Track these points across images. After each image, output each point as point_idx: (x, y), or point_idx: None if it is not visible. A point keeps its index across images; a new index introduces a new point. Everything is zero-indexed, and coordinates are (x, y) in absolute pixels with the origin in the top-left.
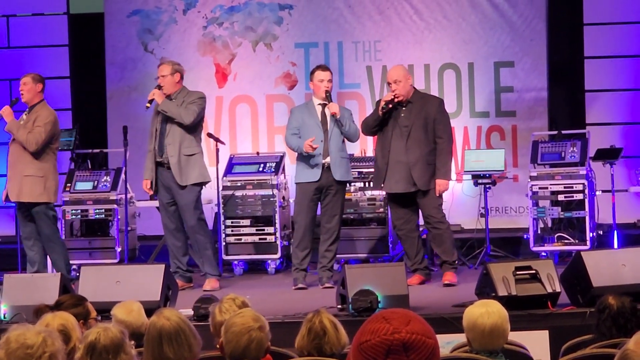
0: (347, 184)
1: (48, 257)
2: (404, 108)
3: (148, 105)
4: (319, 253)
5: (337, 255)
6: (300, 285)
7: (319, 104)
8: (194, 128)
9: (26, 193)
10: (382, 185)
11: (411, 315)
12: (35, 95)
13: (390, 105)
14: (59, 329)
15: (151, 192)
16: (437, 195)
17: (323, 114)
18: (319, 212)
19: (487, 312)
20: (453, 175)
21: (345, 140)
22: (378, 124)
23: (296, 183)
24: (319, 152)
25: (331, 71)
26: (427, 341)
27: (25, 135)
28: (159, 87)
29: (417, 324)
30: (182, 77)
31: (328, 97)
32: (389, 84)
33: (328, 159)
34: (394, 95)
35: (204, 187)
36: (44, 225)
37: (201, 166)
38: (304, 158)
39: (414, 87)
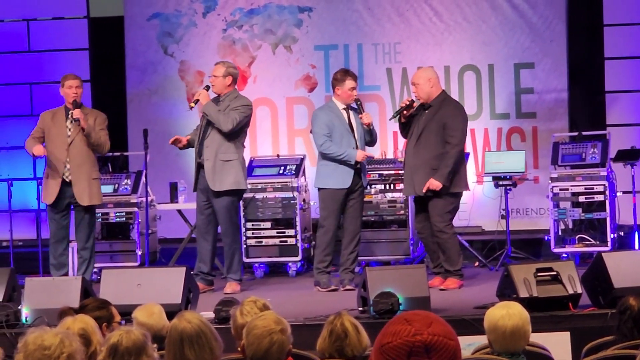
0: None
1: (74, 256)
2: (426, 111)
3: (192, 105)
4: (341, 255)
5: (358, 258)
6: (332, 287)
7: (343, 109)
8: (235, 134)
9: (96, 196)
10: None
11: (433, 317)
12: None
13: (406, 112)
14: (80, 332)
15: (173, 141)
16: (425, 190)
17: (348, 117)
18: None
19: (508, 314)
20: (472, 181)
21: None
22: (403, 128)
23: (324, 188)
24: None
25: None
26: (449, 343)
27: (102, 138)
28: (207, 88)
29: (438, 326)
30: (234, 81)
31: (360, 106)
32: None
33: (359, 165)
34: (409, 100)
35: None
36: (90, 226)
37: (237, 173)
38: (336, 164)
39: (443, 90)
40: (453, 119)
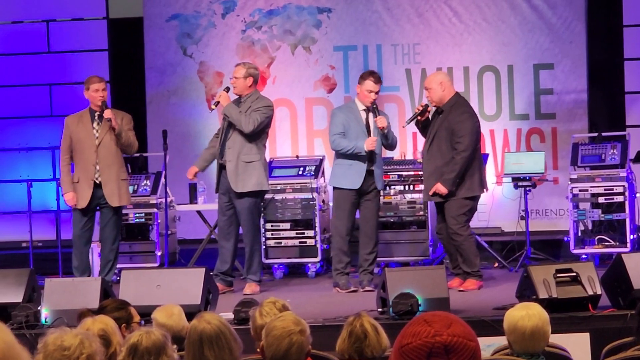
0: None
1: (98, 255)
2: (439, 116)
3: (213, 107)
4: (360, 256)
5: (377, 259)
6: (352, 288)
7: (363, 110)
8: (257, 135)
9: (125, 196)
10: None
11: (452, 318)
12: None
13: (420, 117)
14: (99, 333)
15: (194, 178)
16: (430, 193)
17: (367, 119)
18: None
19: (527, 315)
20: (491, 182)
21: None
22: (422, 132)
23: (336, 188)
24: (364, 160)
25: (381, 82)
26: (469, 344)
27: (131, 138)
28: (227, 89)
29: (458, 327)
30: (255, 82)
31: (375, 110)
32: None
33: (373, 166)
34: (422, 106)
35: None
36: (117, 227)
37: (259, 174)
38: (347, 163)
39: (456, 93)
40: (461, 125)
